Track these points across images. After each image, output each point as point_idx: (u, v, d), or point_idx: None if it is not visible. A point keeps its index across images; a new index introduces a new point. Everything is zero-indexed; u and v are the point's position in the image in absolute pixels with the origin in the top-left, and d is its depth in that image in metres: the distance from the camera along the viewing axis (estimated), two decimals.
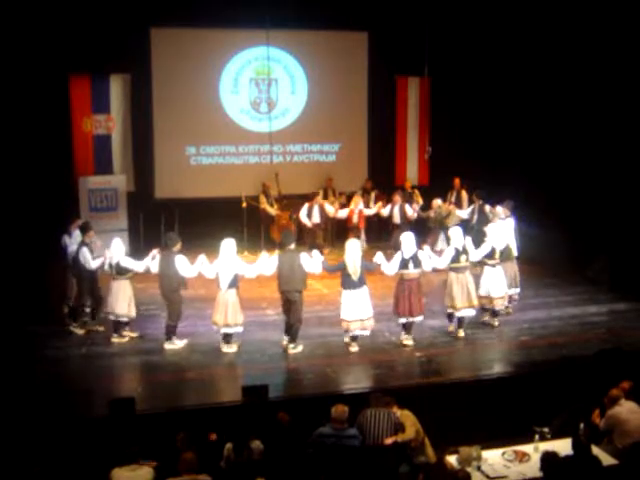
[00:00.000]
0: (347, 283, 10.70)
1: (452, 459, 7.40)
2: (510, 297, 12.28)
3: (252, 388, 9.03)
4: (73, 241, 11.87)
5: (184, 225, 15.85)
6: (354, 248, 10.72)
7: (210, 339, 11.13)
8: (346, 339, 11.04)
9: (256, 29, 15.74)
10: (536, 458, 7.32)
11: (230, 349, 10.86)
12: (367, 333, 10.93)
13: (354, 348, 10.87)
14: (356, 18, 16.76)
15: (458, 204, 15.68)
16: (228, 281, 10.68)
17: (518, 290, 12.61)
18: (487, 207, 14.53)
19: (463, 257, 11.30)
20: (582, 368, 9.70)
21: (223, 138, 17.39)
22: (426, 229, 15.56)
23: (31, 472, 7.17)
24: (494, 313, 11.83)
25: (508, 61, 16.34)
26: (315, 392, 9.65)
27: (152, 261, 11.06)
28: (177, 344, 11.03)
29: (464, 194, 15.93)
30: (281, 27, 15.88)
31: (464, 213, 15.15)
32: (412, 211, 15.35)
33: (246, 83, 17.39)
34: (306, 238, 15.73)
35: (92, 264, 11.35)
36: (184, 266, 10.86)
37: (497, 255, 11.71)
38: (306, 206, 15.71)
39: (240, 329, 10.84)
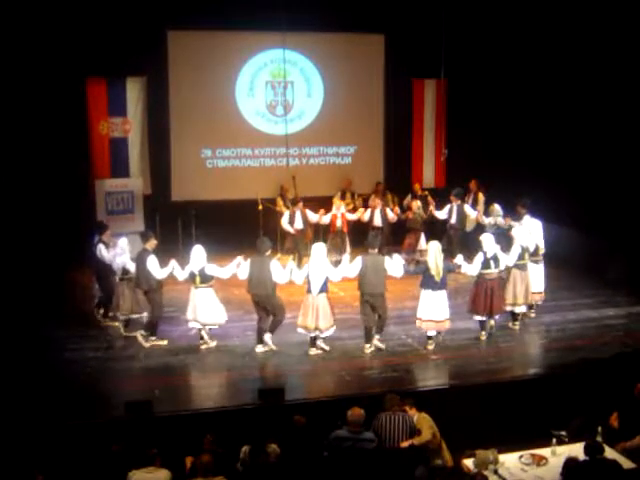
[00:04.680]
0: (428, 283, 10.83)
1: (469, 462, 7.39)
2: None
3: (268, 391, 9.05)
4: (117, 251, 11.64)
5: (200, 227, 15.87)
6: (436, 249, 10.85)
7: (229, 341, 11.26)
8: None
9: (272, 32, 15.73)
10: (553, 462, 7.29)
11: (316, 351, 10.88)
12: (439, 334, 11.13)
13: (430, 346, 11.03)
14: (372, 20, 16.72)
15: (475, 206, 15.64)
16: (319, 285, 10.68)
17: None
18: (465, 207, 15.08)
19: (526, 255, 11.88)
20: (600, 371, 9.65)
21: (239, 141, 17.39)
22: (406, 230, 15.68)
23: None
24: (530, 307, 12.32)
25: (525, 63, 16.26)
26: (331, 395, 9.62)
27: (238, 268, 10.93)
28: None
29: (481, 196, 15.88)
30: (297, 30, 15.85)
31: (442, 214, 15.36)
32: (393, 214, 15.45)
33: (262, 86, 17.39)
34: (288, 244, 15.39)
35: (159, 274, 11.06)
36: (278, 271, 10.81)
37: (540, 252, 12.34)
38: (287, 213, 15.33)
39: (332, 331, 10.88)
